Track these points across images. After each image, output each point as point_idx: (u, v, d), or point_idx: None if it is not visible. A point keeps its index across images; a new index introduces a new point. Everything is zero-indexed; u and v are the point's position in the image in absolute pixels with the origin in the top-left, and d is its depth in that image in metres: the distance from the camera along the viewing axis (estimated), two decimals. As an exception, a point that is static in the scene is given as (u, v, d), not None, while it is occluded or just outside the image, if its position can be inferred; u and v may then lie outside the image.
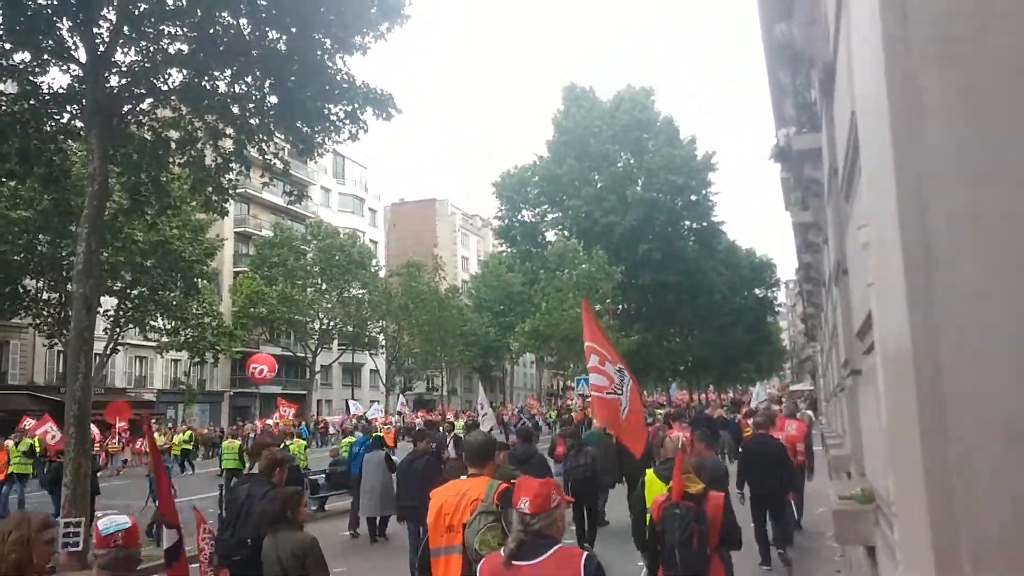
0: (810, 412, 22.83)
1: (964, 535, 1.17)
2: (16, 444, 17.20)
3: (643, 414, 9.42)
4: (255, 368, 37.49)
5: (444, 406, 47.13)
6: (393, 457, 12.65)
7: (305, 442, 22.67)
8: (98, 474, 15.73)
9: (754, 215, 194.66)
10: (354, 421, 33.45)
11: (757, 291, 61.11)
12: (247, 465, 18.83)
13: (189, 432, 30.51)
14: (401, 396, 41.26)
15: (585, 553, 3.16)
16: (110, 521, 3.36)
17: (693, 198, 49.21)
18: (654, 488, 5.68)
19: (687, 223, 50.55)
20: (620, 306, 46.61)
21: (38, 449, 18.60)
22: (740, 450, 10.98)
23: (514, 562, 3.07)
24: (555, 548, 3.09)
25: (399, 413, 42.33)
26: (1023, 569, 1.12)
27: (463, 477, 4.29)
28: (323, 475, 16.37)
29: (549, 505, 3.12)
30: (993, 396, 1.15)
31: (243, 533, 5.39)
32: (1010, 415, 1.13)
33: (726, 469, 7.52)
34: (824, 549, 10.07)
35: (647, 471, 6.12)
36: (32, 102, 12.30)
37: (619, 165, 48.53)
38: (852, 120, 3.50)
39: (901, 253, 1.27)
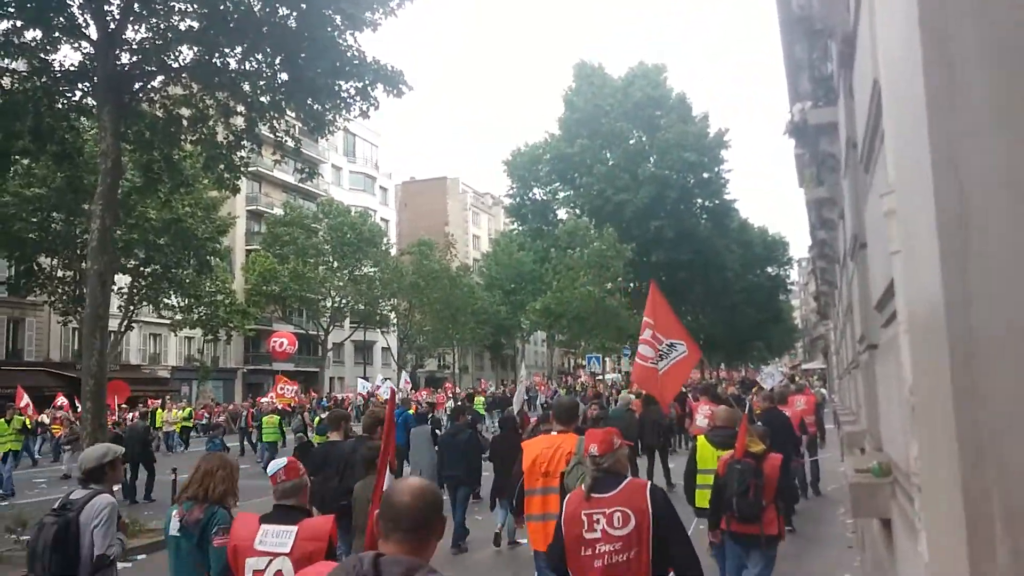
0: (824, 390, 23.30)
1: (997, 499, 1.15)
2: (8, 422, 17.41)
3: (682, 381, 10.49)
4: (276, 342, 37.90)
5: (451, 384, 47.23)
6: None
7: (319, 417, 22.85)
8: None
9: (766, 195, 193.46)
10: (360, 400, 33.85)
11: (769, 269, 60.78)
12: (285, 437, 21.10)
13: (189, 409, 30.26)
14: (404, 374, 41.24)
15: (649, 483, 3.88)
16: (274, 465, 3.97)
17: (706, 175, 48.81)
18: (704, 451, 6.69)
19: (699, 201, 50.19)
20: (631, 284, 46.45)
21: (30, 426, 19.82)
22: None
23: (593, 495, 3.72)
24: (625, 482, 3.78)
25: (400, 390, 42.25)
26: (1058, 533, 1.10)
27: (553, 433, 5.33)
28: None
29: (612, 447, 3.84)
30: (1029, 358, 1.13)
31: (349, 483, 6.16)
32: (1046, 378, 1.11)
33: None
34: (837, 525, 10.09)
35: (698, 437, 7.15)
36: (44, 80, 12.32)
37: (631, 142, 48.13)
38: (874, 88, 3.43)
39: (934, 215, 1.24)
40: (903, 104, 1.59)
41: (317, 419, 21.83)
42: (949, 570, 1.48)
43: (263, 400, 28.03)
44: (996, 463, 1.14)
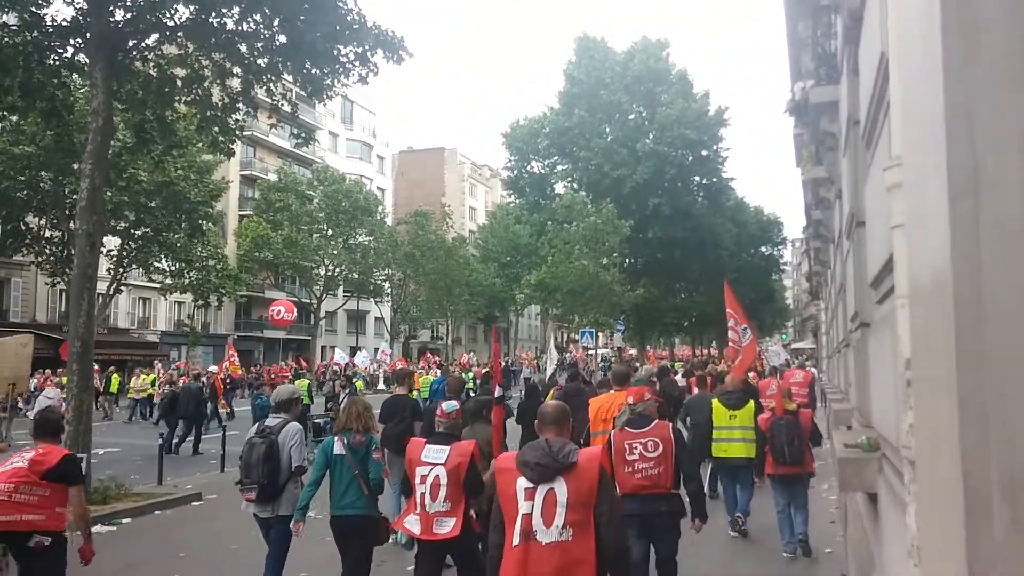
0: (814, 370, 24.37)
1: (996, 465, 1.14)
2: None
3: (753, 356, 13.12)
4: (275, 310, 38.03)
5: (433, 355, 47.30)
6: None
7: (309, 381, 23.39)
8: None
9: (760, 174, 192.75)
10: (338, 370, 34.16)
11: (763, 249, 60.81)
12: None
13: (153, 376, 28.12)
14: (384, 344, 41.06)
15: (671, 424, 5.78)
16: (448, 405, 5.73)
17: (704, 153, 48.51)
18: (719, 412, 8.74)
19: (697, 178, 49.94)
20: (626, 260, 46.41)
21: None
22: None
23: (627, 429, 5.50)
24: (655, 422, 5.58)
25: (377, 362, 42.43)
26: (1057, 502, 1.09)
27: (611, 392, 7.38)
28: (326, 419, 16.56)
29: (643, 398, 5.67)
30: (1037, 325, 1.11)
31: (411, 425, 8.63)
32: (1053, 345, 1.09)
33: (710, 400, 9.49)
34: (820, 501, 10.20)
35: (713, 400, 9.05)
36: (35, 34, 12.08)
37: (631, 117, 47.73)
38: (881, 62, 3.39)
39: (946, 180, 1.22)
40: (915, 69, 1.55)
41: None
42: (940, 541, 1.48)
43: (211, 369, 27.25)
44: (1000, 431, 1.13)
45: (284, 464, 6.03)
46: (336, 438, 5.84)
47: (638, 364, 26.09)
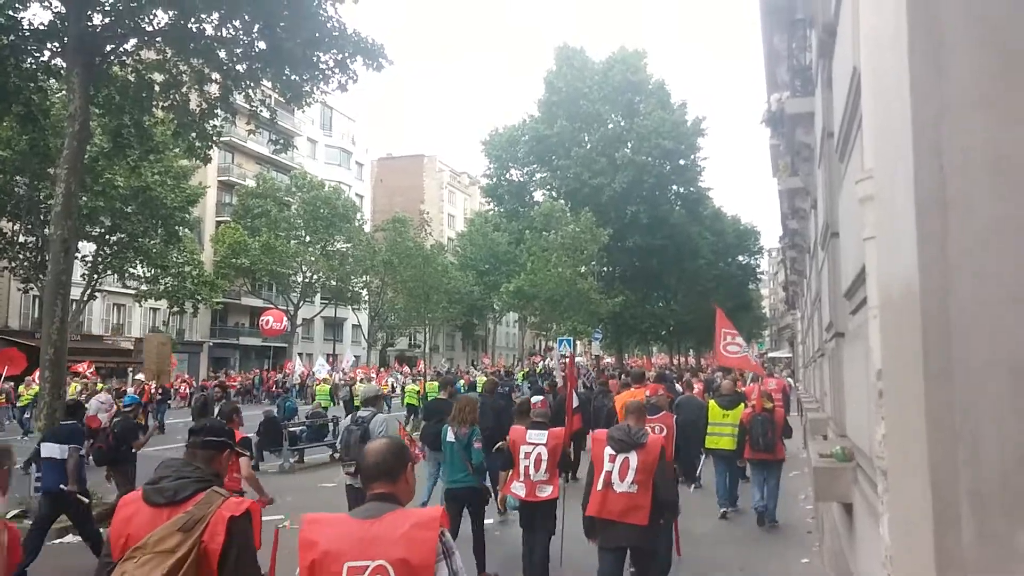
0: (790, 379, 24.77)
1: (964, 478, 1.16)
2: None
3: (752, 365, 14.52)
4: (265, 320, 37.88)
5: (396, 363, 46.99)
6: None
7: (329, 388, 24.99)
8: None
9: (737, 184, 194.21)
10: (296, 378, 33.74)
11: (740, 258, 61.28)
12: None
13: (76, 385, 24.52)
14: (348, 355, 39.97)
15: (674, 416, 8.27)
16: (536, 398, 7.66)
17: (682, 162, 48.91)
18: (714, 410, 10.38)
19: (675, 187, 50.32)
20: (604, 268, 46.58)
21: None
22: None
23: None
24: (663, 412, 8.06)
25: (342, 371, 39.52)
26: (1022, 514, 1.11)
27: (632, 388, 10.56)
28: (303, 427, 16.43)
29: (658, 392, 8.48)
30: (1002, 340, 1.13)
31: (438, 427, 8.88)
32: (1019, 360, 1.12)
33: (700, 403, 11.54)
34: (797, 510, 10.27)
35: (710, 401, 10.97)
36: (11, 38, 11.92)
37: (610, 127, 48.01)
38: (853, 76, 3.44)
39: (914, 195, 1.24)
40: (885, 86, 1.58)
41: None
42: (911, 552, 1.50)
43: (138, 377, 25.90)
44: (968, 441, 1.15)
45: None
46: (449, 428, 7.35)
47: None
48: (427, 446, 9.76)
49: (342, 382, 29.19)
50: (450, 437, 7.24)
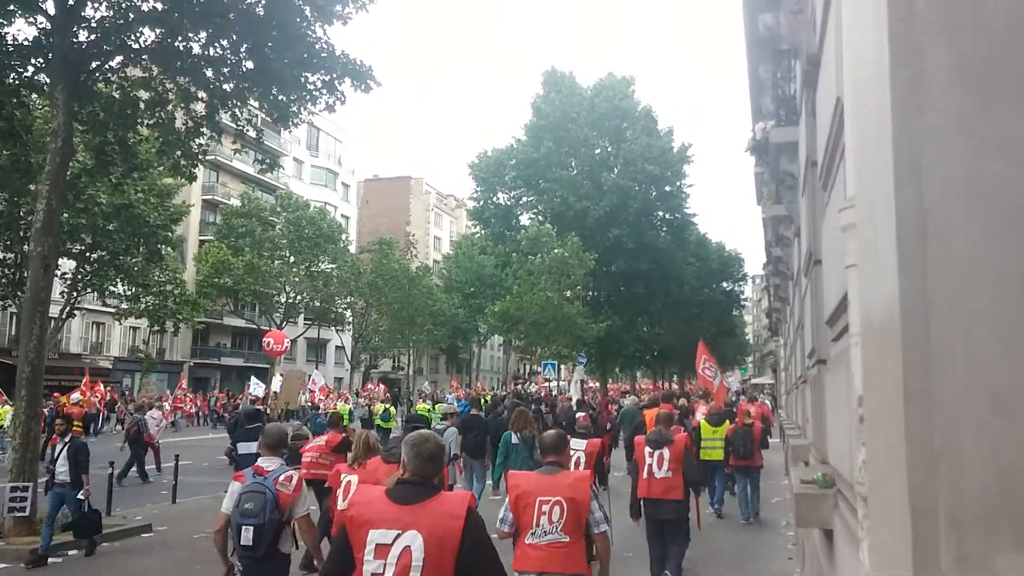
0: (768, 402, 25.50)
1: (944, 504, 1.16)
2: None
3: (724, 393, 17.18)
4: (266, 342, 37.50)
5: (376, 384, 46.49)
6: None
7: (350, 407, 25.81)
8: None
9: (722, 211, 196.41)
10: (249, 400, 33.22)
11: (725, 284, 61.63)
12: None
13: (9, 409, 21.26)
14: (316, 374, 39.17)
15: (683, 430, 9.55)
16: (580, 414, 9.73)
17: (668, 189, 49.26)
18: (705, 428, 12.27)
19: (660, 213, 50.62)
20: (590, 292, 46.67)
21: None
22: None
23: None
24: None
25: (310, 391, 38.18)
26: (1003, 540, 1.11)
27: (659, 406, 11.47)
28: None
29: (669, 409, 9.89)
30: (982, 366, 1.14)
31: (484, 438, 11.80)
32: (998, 386, 1.13)
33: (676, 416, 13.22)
34: (779, 536, 10.26)
35: (702, 420, 12.71)
36: (-5, 53, 11.87)
37: (596, 151, 48.35)
38: (837, 106, 3.50)
39: (895, 223, 1.26)
40: (867, 115, 1.61)
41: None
42: (892, 577, 1.50)
43: (74, 396, 25.65)
44: (948, 468, 1.15)
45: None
46: (512, 433, 9.45)
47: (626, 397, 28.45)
48: (467, 454, 11.73)
49: (356, 406, 32.53)
50: (515, 440, 9.29)
